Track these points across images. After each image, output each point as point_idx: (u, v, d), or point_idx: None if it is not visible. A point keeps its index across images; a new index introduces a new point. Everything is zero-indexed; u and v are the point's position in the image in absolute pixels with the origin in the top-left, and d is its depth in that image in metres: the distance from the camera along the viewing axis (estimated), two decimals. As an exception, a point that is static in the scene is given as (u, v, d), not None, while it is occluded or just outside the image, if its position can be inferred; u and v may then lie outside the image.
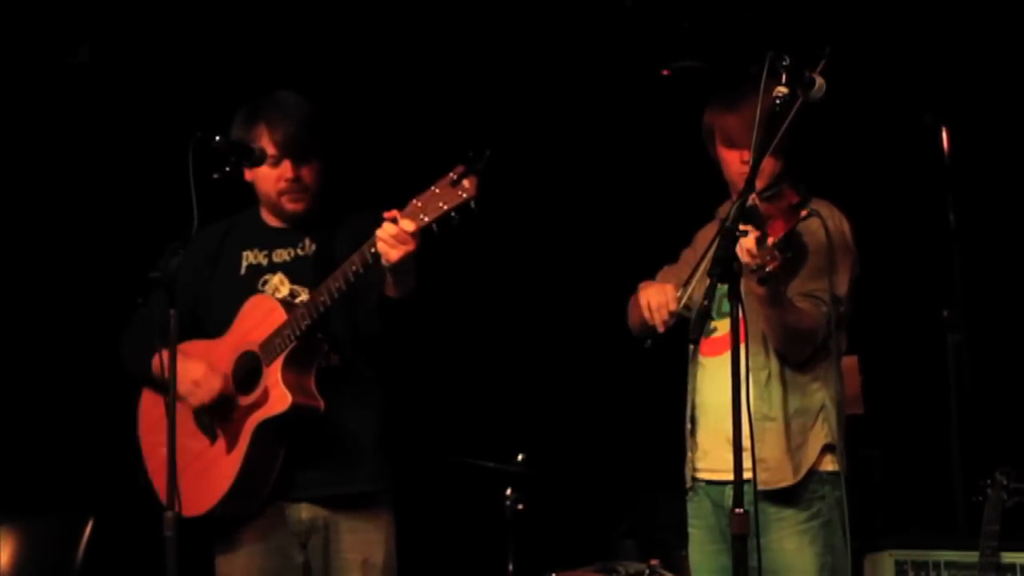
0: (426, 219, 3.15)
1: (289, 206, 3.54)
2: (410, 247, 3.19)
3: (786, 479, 3.32)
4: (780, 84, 3.07)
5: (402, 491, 3.62)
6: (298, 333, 3.36)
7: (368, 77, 5.50)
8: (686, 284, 3.42)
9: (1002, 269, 5.15)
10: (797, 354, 3.35)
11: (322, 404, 3.41)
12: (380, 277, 3.30)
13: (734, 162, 3.42)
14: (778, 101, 3.07)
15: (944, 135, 4.89)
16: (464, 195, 3.12)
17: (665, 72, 5.38)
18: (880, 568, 4.30)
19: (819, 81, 3.14)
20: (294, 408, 3.37)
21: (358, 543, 3.49)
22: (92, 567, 4.38)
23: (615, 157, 5.66)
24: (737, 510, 2.85)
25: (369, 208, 3.45)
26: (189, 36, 5.30)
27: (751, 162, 3.09)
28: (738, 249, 2.99)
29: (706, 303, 2.89)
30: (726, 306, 3.03)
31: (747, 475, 2.90)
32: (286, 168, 3.50)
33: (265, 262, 3.58)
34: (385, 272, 3.27)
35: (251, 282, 3.56)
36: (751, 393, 3.29)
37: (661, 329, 3.36)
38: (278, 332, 3.39)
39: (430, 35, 5.44)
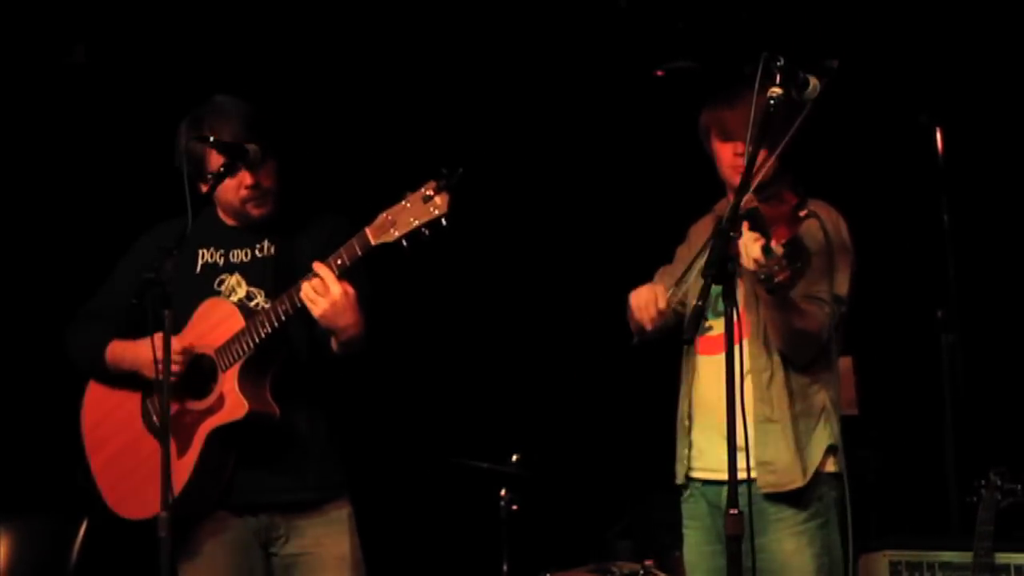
0: (396, 233, 3.15)
1: (254, 212, 3.46)
2: (328, 301, 3.19)
3: (796, 481, 3.32)
4: (774, 84, 3.08)
5: (379, 493, 3.60)
6: (257, 341, 3.31)
7: (359, 79, 5.49)
8: (679, 282, 3.42)
9: (996, 270, 5.16)
10: (803, 356, 3.35)
11: (277, 411, 3.37)
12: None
13: (727, 155, 3.42)
14: (772, 101, 3.07)
15: (938, 136, 4.89)
16: (436, 211, 3.12)
17: (659, 73, 5.39)
18: (875, 569, 4.29)
19: (813, 81, 3.15)
20: (250, 416, 3.32)
21: (321, 539, 3.44)
22: (86, 567, 4.38)
23: (610, 157, 5.67)
24: (732, 511, 2.85)
25: (335, 210, 3.44)
26: (184, 36, 5.30)
27: (746, 161, 3.09)
28: (744, 258, 3.00)
29: (700, 303, 2.89)
30: (721, 304, 3.03)
31: (742, 475, 2.91)
32: (244, 176, 3.40)
33: (222, 262, 3.51)
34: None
35: (207, 281, 3.49)
36: (752, 395, 3.30)
37: (649, 327, 3.37)
38: (236, 338, 3.33)
39: (422, 34, 5.44)
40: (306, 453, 3.44)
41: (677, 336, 3.39)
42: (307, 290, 3.21)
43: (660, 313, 3.36)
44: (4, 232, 5.28)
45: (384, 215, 3.17)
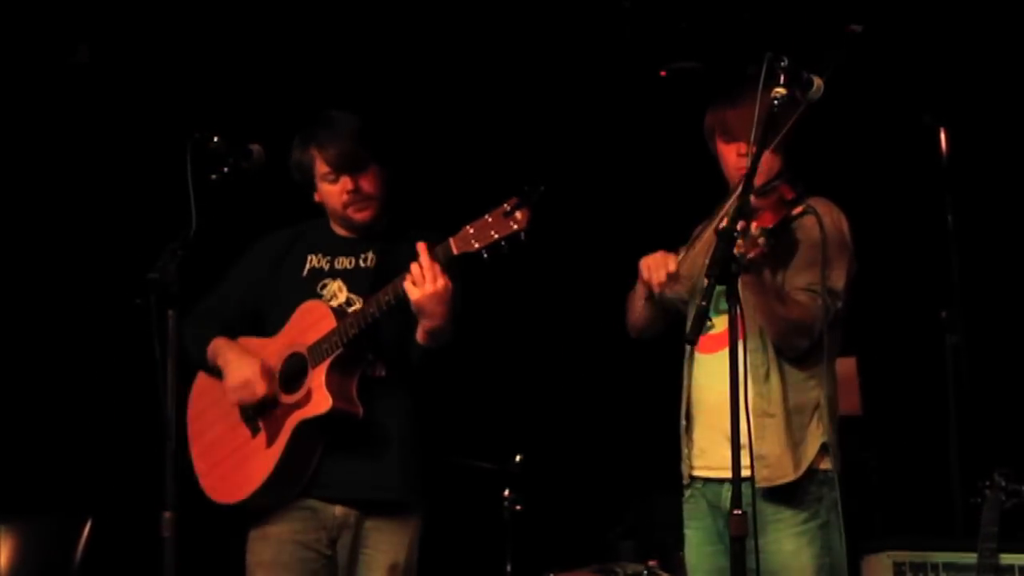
0: (477, 245, 3.33)
1: (356, 216, 3.67)
2: (431, 288, 3.35)
3: (786, 475, 3.32)
4: (778, 85, 3.09)
5: (433, 499, 3.71)
6: (345, 340, 3.49)
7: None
8: (688, 248, 3.44)
9: (1000, 270, 5.15)
10: (793, 347, 3.34)
11: (361, 411, 3.53)
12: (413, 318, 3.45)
13: (731, 155, 3.43)
14: (776, 101, 3.08)
15: (942, 135, 4.89)
16: (516, 226, 3.31)
17: (663, 73, 5.39)
18: (878, 569, 4.29)
19: (817, 82, 3.15)
20: (334, 411, 3.49)
21: (384, 544, 3.60)
22: (90, 568, 4.39)
23: (612, 158, 5.67)
24: (736, 511, 2.86)
25: (436, 229, 3.55)
26: (188, 36, 5.30)
27: (749, 161, 3.10)
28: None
29: (703, 303, 2.90)
30: (723, 303, 3.03)
31: (745, 472, 2.91)
32: (345, 182, 3.64)
33: (327, 267, 3.70)
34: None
35: (311, 285, 3.68)
36: (751, 389, 3.28)
37: (657, 290, 3.40)
38: (326, 338, 3.51)
39: (421, 31, 5.44)
40: (391, 455, 3.60)
41: (677, 335, 3.39)
42: (414, 270, 3.36)
43: (671, 277, 3.36)
44: (8, 231, 5.29)
45: (467, 228, 3.36)
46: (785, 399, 3.35)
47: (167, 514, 3.10)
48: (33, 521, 4.53)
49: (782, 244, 3.23)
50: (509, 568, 4.65)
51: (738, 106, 3.32)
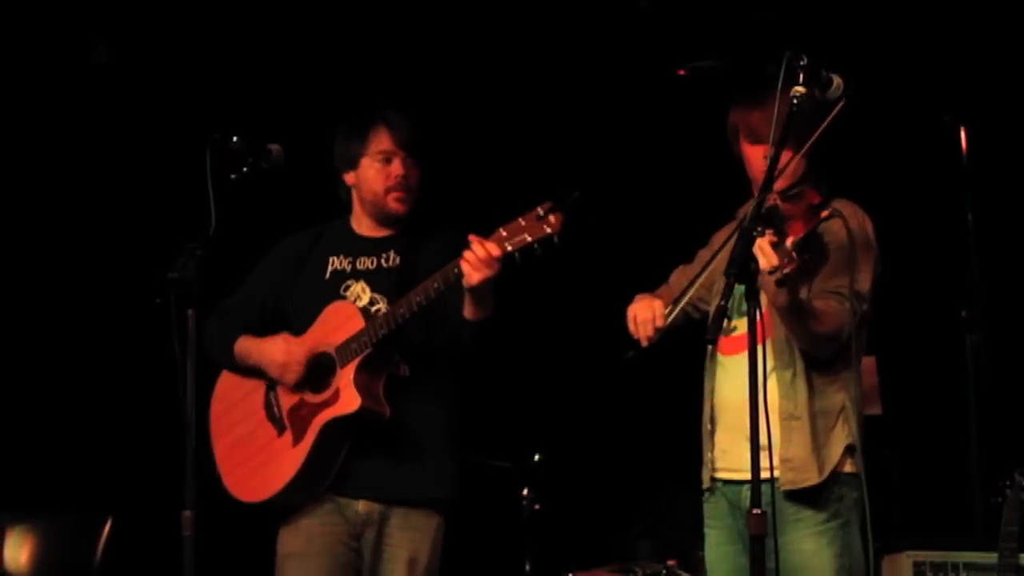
0: (510, 248, 3.35)
1: (393, 205, 3.70)
2: (491, 272, 3.37)
3: (811, 479, 3.32)
4: (797, 84, 3.08)
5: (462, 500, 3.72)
6: (375, 340, 3.51)
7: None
8: (676, 301, 3.45)
9: (1021, 269, 5.14)
10: (824, 352, 3.34)
11: (388, 411, 3.56)
12: (459, 298, 3.48)
13: (757, 158, 3.41)
14: (795, 101, 3.08)
15: (963, 135, 4.87)
16: (549, 230, 3.31)
17: (681, 72, 5.38)
18: (898, 569, 4.29)
19: (836, 81, 3.14)
20: (362, 411, 3.52)
21: (408, 541, 3.62)
22: (110, 566, 4.41)
23: (631, 157, 5.66)
24: (755, 511, 2.85)
25: (456, 228, 3.57)
26: (207, 37, 5.32)
27: (769, 161, 3.09)
28: (755, 250, 2.99)
29: (723, 303, 2.90)
30: (745, 304, 3.03)
31: (765, 474, 2.90)
32: (397, 165, 3.67)
33: (349, 268, 3.72)
34: (464, 293, 3.44)
35: (334, 287, 3.69)
36: (776, 392, 3.30)
37: (644, 344, 3.42)
38: (355, 338, 3.54)
39: (434, 32, 5.45)
40: (416, 455, 3.61)
41: (696, 337, 3.38)
42: (472, 259, 3.37)
43: (657, 331, 3.39)
44: (30, 232, 5.32)
45: (500, 231, 3.37)
46: (811, 402, 3.34)
47: (187, 512, 3.12)
48: (55, 519, 4.55)
49: (813, 252, 3.22)
50: (528, 567, 4.66)
51: (765, 107, 3.29)
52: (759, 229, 2.99)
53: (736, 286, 2.97)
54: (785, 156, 3.21)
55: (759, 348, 2.95)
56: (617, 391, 5.62)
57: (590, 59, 5.48)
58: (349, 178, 3.74)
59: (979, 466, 4.64)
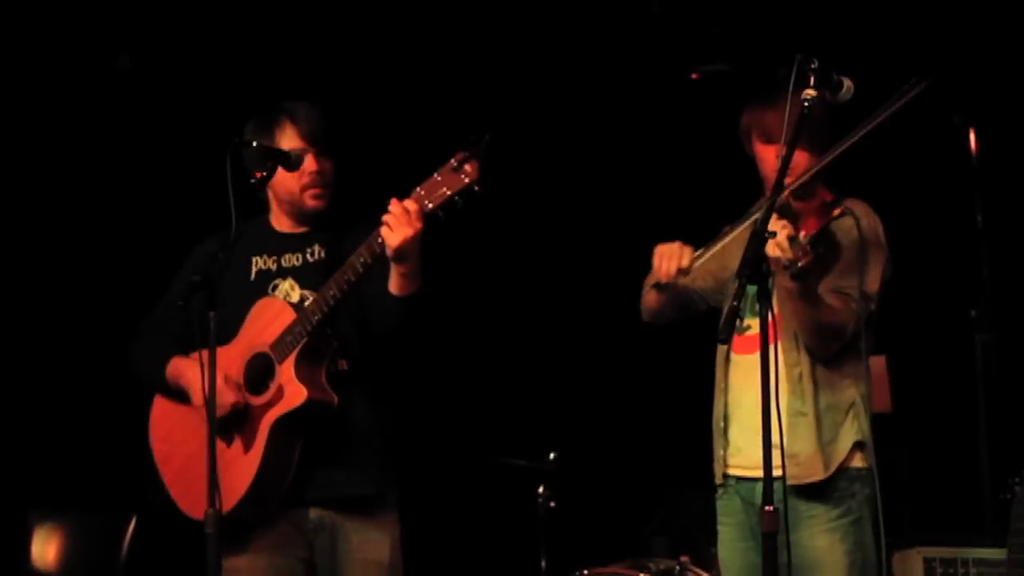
0: (430, 205, 3.21)
1: (310, 202, 3.56)
2: (411, 231, 3.21)
3: (816, 474, 3.34)
4: (808, 86, 3.12)
5: (418, 491, 3.64)
6: (309, 329, 3.39)
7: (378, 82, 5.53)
8: (705, 248, 3.43)
9: (1030, 268, 5.16)
10: (824, 350, 3.35)
11: (336, 399, 3.44)
12: (386, 274, 3.34)
13: (770, 158, 3.41)
14: (806, 104, 3.11)
15: (972, 136, 4.90)
16: (467, 179, 3.17)
17: (694, 76, 5.41)
18: (909, 566, 4.30)
19: (847, 83, 3.18)
20: (309, 402, 3.39)
21: (363, 544, 3.50)
22: (136, 563, 4.44)
23: (646, 160, 5.69)
24: (767, 507, 2.88)
25: (377, 216, 3.46)
26: (228, 44, 5.35)
27: (781, 162, 3.13)
28: (769, 244, 3.02)
29: (735, 303, 2.92)
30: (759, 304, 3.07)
31: (777, 472, 2.94)
32: (310, 162, 3.51)
33: (275, 267, 3.59)
34: (390, 269, 3.31)
35: (261, 287, 3.57)
36: (785, 389, 3.31)
37: (663, 280, 3.42)
38: (289, 330, 3.41)
39: (456, 35, 5.48)
40: (361, 450, 3.50)
41: (708, 333, 3.42)
42: (389, 218, 3.22)
43: (681, 271, 3.38)
44: (54, 236, 5.36)
45: (417, 189, 3.24)
46: (817, 398, 3.36)
47: (210, 510, 3.12)
48: (80, 518, 4.57)
49: (826, 248, 3.25)
50: (543, 564, 4.68)
51: (778, 107, 3.30)
52: (770, 231, 3.03)
53: (747, 287, 3.00)
54: (802, 157, 3.26)
55: (771, 348, 2.98)
56: (631, 389, 5.67)
57: (604, 63, 5.50)
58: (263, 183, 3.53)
59: (988, 463, 4.66)
